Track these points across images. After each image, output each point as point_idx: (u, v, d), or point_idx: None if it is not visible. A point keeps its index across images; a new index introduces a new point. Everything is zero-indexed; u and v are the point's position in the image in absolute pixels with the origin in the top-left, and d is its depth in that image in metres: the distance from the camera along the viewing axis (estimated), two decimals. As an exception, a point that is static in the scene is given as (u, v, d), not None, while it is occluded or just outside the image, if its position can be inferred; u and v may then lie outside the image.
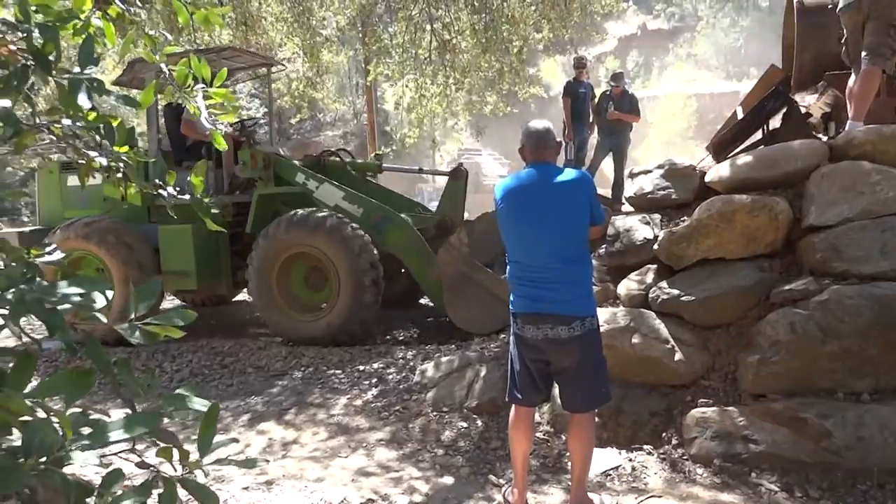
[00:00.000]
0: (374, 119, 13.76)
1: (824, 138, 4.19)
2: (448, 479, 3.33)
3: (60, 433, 0.85)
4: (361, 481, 3.34)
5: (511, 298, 2.91)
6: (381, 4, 10.30)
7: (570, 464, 3.09)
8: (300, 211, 5.87)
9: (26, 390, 0.96)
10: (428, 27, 9.46)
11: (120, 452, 1.14)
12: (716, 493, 3.00)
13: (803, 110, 4.74)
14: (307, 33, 10.15)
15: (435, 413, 4.08)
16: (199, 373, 5.34)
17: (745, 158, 3.91)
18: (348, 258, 5.67)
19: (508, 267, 2.93)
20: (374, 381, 4.71)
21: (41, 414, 0.92)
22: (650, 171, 4.37)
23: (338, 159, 7.17)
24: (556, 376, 2.88)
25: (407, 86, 10.66)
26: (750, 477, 3.06)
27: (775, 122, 4.78)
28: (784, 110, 4.70)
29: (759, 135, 4.84)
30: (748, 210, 3.50)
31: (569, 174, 2.78)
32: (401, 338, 6.32)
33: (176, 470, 1.01)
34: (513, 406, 2.99)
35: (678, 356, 3.49)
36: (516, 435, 2.94)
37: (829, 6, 4.29)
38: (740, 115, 5.12)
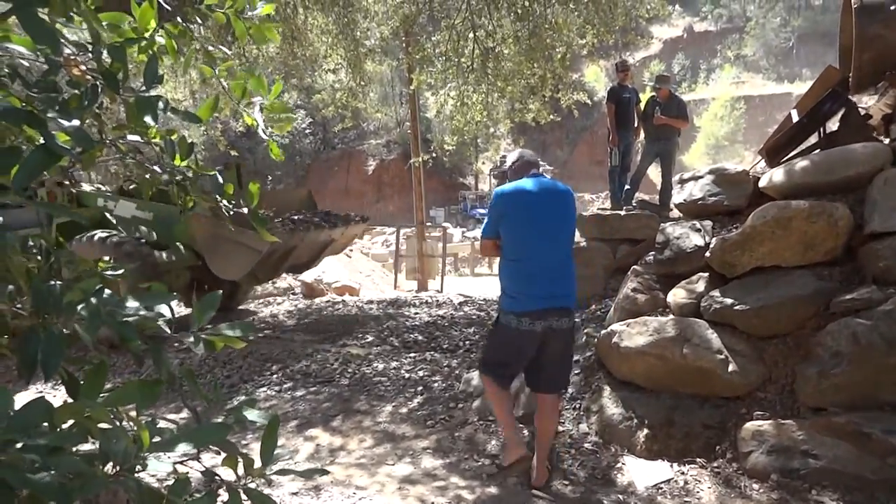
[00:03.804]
0: (417, 127, 13.80)
1: (886, 141, 4.02)
2: (493, 489, 3.31)
3: (133, 441, 0.88)
4: (408, 489, 3.34)
5: (508, 298, 3.15)
6: (425, 14, 10.36)
7: (536, 439, 3.39)
8: (87, 234, 6.57)
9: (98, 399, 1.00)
10: (471, 35, 9.47)
11: (184, 460, 1.17)
12: (774, 509, 2.90)
13: (863, 112, 4.55)
14: (351, 45, 10.29)
15: (481, 422, 4.06)
16: (250, 379, 5.45)
17: (801, 163, 3.79)
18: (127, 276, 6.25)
19: (509, 268, 3.18)
20: (420, 389, 4.72)
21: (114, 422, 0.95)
22: (700, 177, 4.27)
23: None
24: (539, 362, 3.24)
25: (449, 94, 10.68)
26: (810, 494, 2.94)
27: (833, 125, 4.60)
28: (842, 112, 4.52)
29: (815, 138, 4.67)
30: (806, 216, 3.39)
31: (558, 183, 3.30)
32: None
33: (239, 479, 1.03)
34: (489, 379, 3.33)
35: (732, 367, 3.39)
36: (500, 397, 3.30)
37: (892, 6, 4.12)
38: (795, 118, 4.94)
